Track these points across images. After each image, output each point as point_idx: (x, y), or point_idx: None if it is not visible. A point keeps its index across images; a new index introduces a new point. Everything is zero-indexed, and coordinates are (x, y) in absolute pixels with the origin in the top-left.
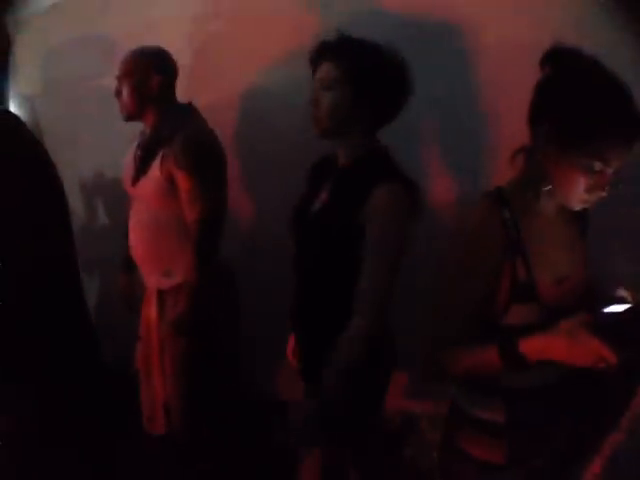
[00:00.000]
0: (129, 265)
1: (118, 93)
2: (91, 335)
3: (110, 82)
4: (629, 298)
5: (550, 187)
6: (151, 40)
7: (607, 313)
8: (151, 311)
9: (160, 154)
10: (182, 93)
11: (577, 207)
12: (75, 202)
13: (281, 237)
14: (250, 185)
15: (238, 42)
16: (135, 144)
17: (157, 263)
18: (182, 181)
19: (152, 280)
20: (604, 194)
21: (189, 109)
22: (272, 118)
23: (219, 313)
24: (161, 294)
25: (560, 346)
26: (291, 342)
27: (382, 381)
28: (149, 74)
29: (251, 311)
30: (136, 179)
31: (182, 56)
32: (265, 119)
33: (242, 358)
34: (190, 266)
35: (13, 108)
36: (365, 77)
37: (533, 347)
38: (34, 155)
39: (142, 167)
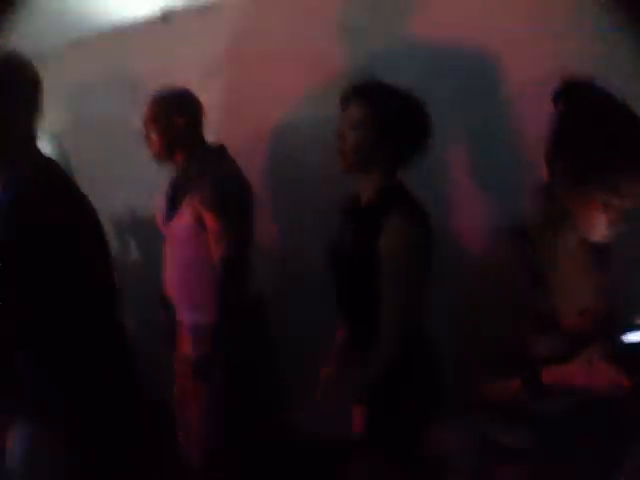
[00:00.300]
0: (166, 301)
1: (146, 138)
2: (130, 367)
3: (138, 118)
4: None
5: (570, 222)
6: (177, 77)
7: (625, 340)
8: (186, 347)
9: (189, 195)
10: (210, 131)
11: (598, 240)
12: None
13: (311, 267)
14: (280, 217)
15: (265, 79)
16: (166, 183)
17: (189, 300)
18: (209, 221)
19: (185, 317)
20: (623, 227)
21: (217, 150)
22: (301, 152)
23: (249, 347)
24: (195, 331)
25: (580, 374)
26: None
27: (423, 406)
28: (173, 118)
29: (283, 338)
30: (168, 219)
31: (209, 95)
32: (294, 153)
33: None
34: (215, 305)
35: (41, 145)
36: (389, 122)
37: (555, 376)
38: (70, 193)
39: (173, 207)
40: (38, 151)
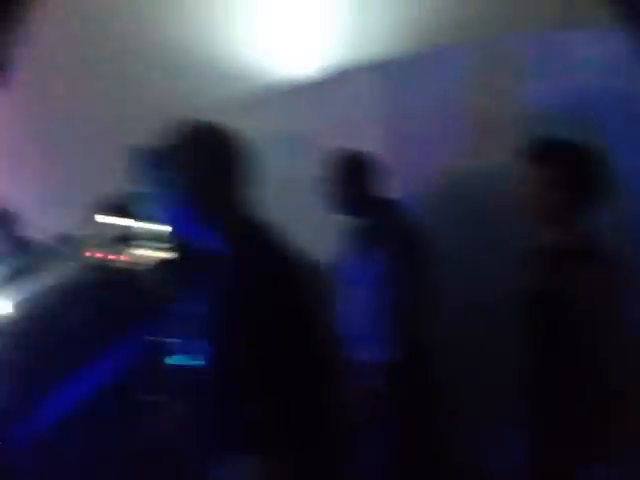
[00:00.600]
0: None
1: (332, 195)
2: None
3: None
4: None
5: None
6: (347, 133)
7: None
8: (360, 383)
9: (373, 243)
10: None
11: None
12: None
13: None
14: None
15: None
16: (342, 234)
17: (368, 339)
18: (389, 269)
19: (361, 353)
20: None
21: (393, 202)
22: (465, 201)
23: (419, 387)
24: (368, 367)
25: None
26: None
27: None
28: (357, 176)
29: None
30: (352, 264)
31: (376, 147)
32: (467, 200)
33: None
34: (387, 344)
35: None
36: (575, 180)
37: None
38: (279, 248)
39: (357, 255)
40: (247, 211)
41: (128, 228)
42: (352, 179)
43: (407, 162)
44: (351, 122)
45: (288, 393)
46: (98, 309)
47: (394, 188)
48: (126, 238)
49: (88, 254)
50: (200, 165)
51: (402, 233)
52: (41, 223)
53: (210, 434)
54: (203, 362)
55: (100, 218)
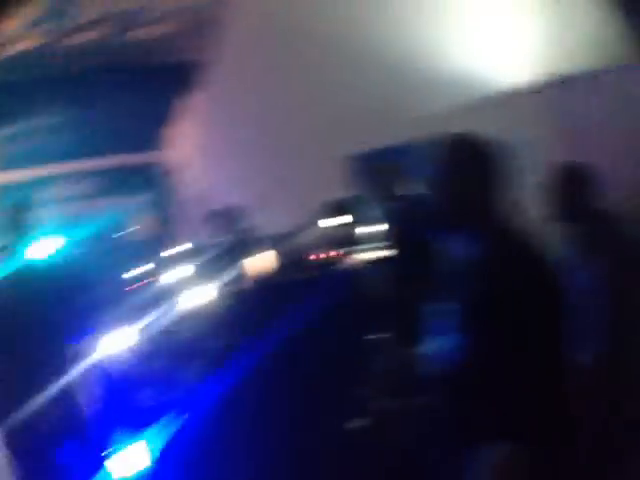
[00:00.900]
0: None
1: (552, 203)
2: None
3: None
4: None
5: None
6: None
7: None
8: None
9: (591, 251)
10: None
11: None
12: None
13: None
14: None
15: None
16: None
17: (585, 341)
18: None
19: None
20: None
21: (608, 211)
22: None
23: None
24: None
25: None
26: None
27: None
28: (578, 186)
29: None
30: (569, 272)
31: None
32: None
33: None
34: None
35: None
36: None
37: None
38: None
39: (575, 261)
40: (502, 217)
41: (351, 229)
42: (573, 189)
43: (622, 173)
44: (567, 130)
45: (537, 386)
46: (319, 306)
47: (610, 198)
48: (349, 239)
49: (312, 254)
50: (466, 176)
51: (619, 242)
52: (264, 223)
53: (460, 426)
54: (448, 357)
55: (325, 220)
